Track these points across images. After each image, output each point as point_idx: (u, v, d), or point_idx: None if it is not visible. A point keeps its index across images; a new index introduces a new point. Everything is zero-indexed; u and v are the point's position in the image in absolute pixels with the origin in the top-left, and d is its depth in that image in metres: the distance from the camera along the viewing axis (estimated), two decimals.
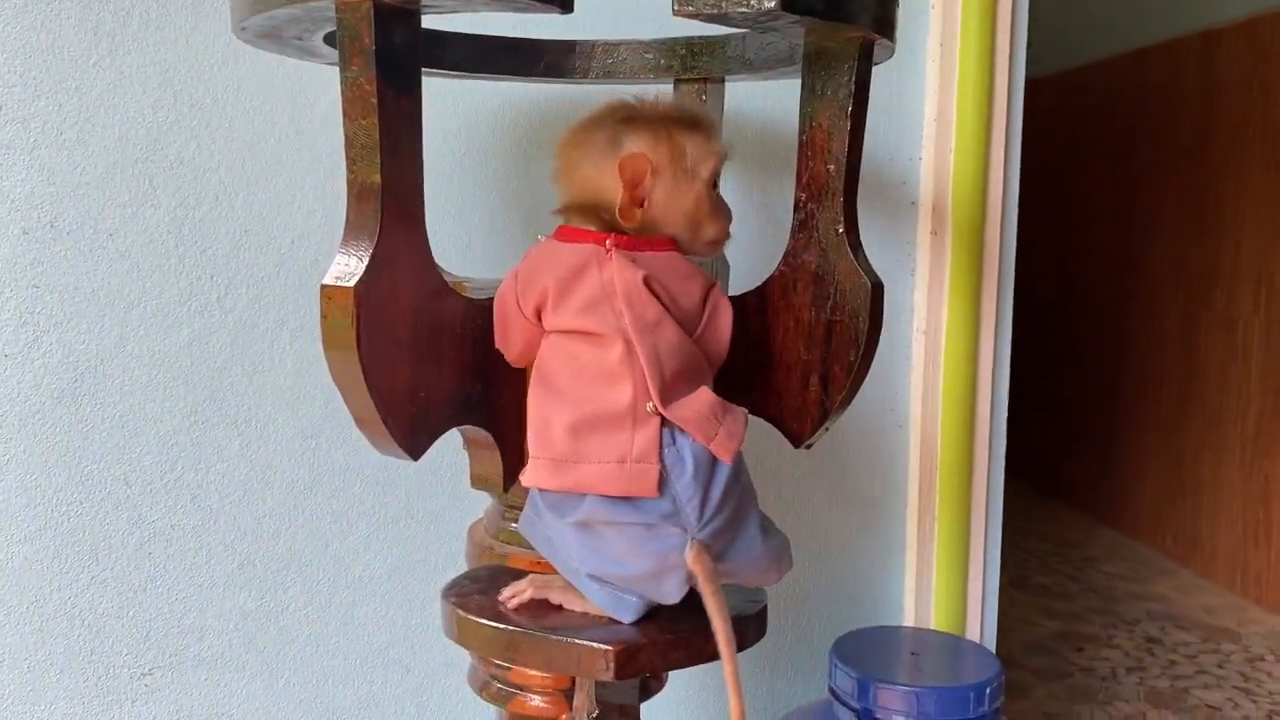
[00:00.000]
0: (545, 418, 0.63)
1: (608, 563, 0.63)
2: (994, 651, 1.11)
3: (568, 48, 0.88)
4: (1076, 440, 2.60)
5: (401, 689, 1.03)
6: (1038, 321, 2.70)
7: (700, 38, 0.84)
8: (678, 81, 0.87)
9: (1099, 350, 2.51)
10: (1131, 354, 2.38)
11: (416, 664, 1.03)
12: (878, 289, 0.68)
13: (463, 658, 0.80)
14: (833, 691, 0.90)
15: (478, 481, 0.74)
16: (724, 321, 0.67)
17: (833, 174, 0.69)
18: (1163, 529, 2.27)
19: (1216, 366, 2.12)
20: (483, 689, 0.76)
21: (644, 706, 0.77)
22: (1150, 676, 1.66)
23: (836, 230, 0.69)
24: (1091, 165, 2.54)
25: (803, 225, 0.70)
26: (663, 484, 0.61)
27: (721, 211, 0.68)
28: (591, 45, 0.88)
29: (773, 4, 0.57)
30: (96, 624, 0.93)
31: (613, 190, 0.65)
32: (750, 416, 0.67)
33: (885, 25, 0.67)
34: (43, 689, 0.92)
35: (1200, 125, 2.16)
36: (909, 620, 1.13)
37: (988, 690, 0.85)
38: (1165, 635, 1.84)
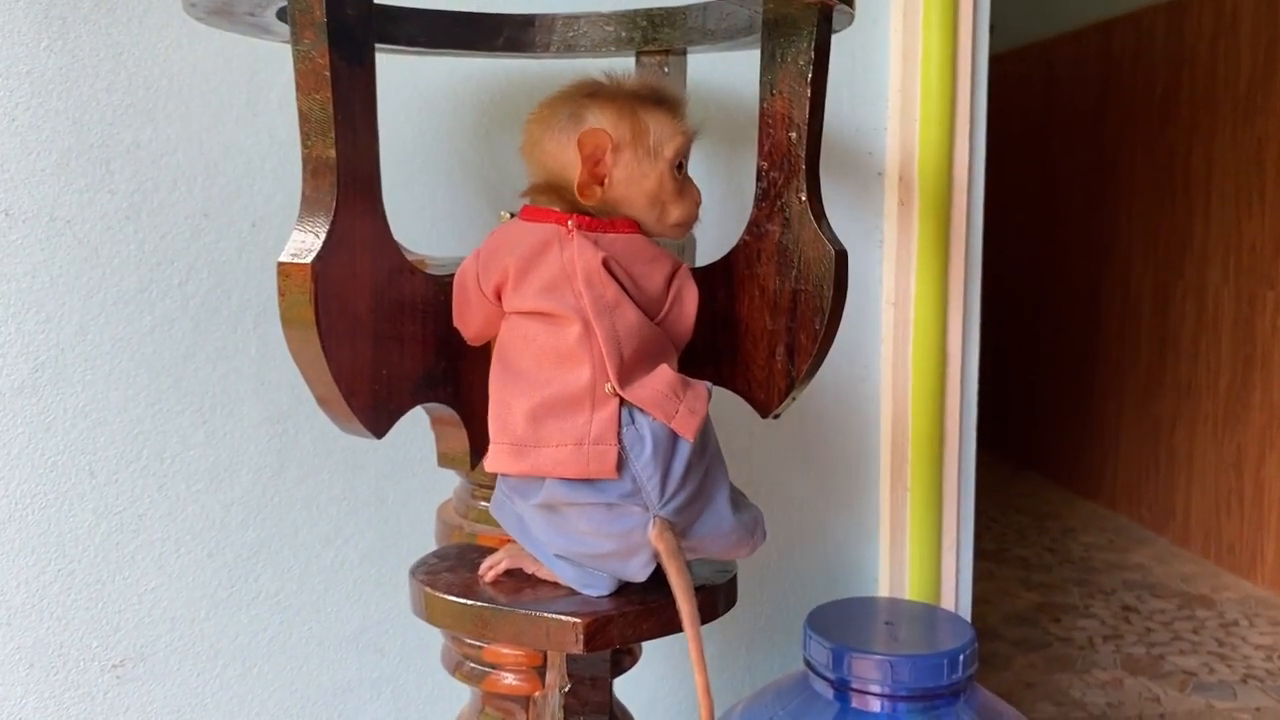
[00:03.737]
0: (505, 402, 0.62)
1: (573, 542, 0.63)
2: (969, 620, 1.11)
3: (527, 21, 0.87)
4: (1053, 413, 2.62)
5: (377, 673, 1.02)
6: (1013, 294, 2.71)
7: (660, 9, 0.84)
8: (639, 54, 0.86)
9: (1074, 322, 2.52)
10: (1106, 325, 2.40)
11: (391, 647, 1.02)
12: (841, 257, 0.68)
13: (436, 640, 0.79)
14: (807, 663, 0.90)
15: (444, 460, 0.74)
16: (689, 304, 0.66)
17: (794, 142, 0.68)
18: (1139, 499, 2.29)
19: (1188, 336, 2.13)
20: (456, 669, 0.75)
21: (619, 681, 0.76)
22: (1127, 644, 1.68)
23: (799, 199, 0.68)
24: (1062, 136, 2.54)
25: (765, 194, 0.70)
26: (621, 464, 0.60)
27: (687, 193, 0.67)
28: (551, 19, 0.87)
29: None
30: (65, 616, 0.92)
31: (574, 168, 0.64)
32: (717, 388, 0.67)
33: None
34: (12, 683, 0.91)
35: (1168, 95, 2.17)
36: (884, 591, 1.13)
37: (961, 657, 0.85)
38: (1142, 603, 1.85)
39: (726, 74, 1.04)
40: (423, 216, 0.98)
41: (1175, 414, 2.17)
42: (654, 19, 0.84)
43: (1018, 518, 2.35)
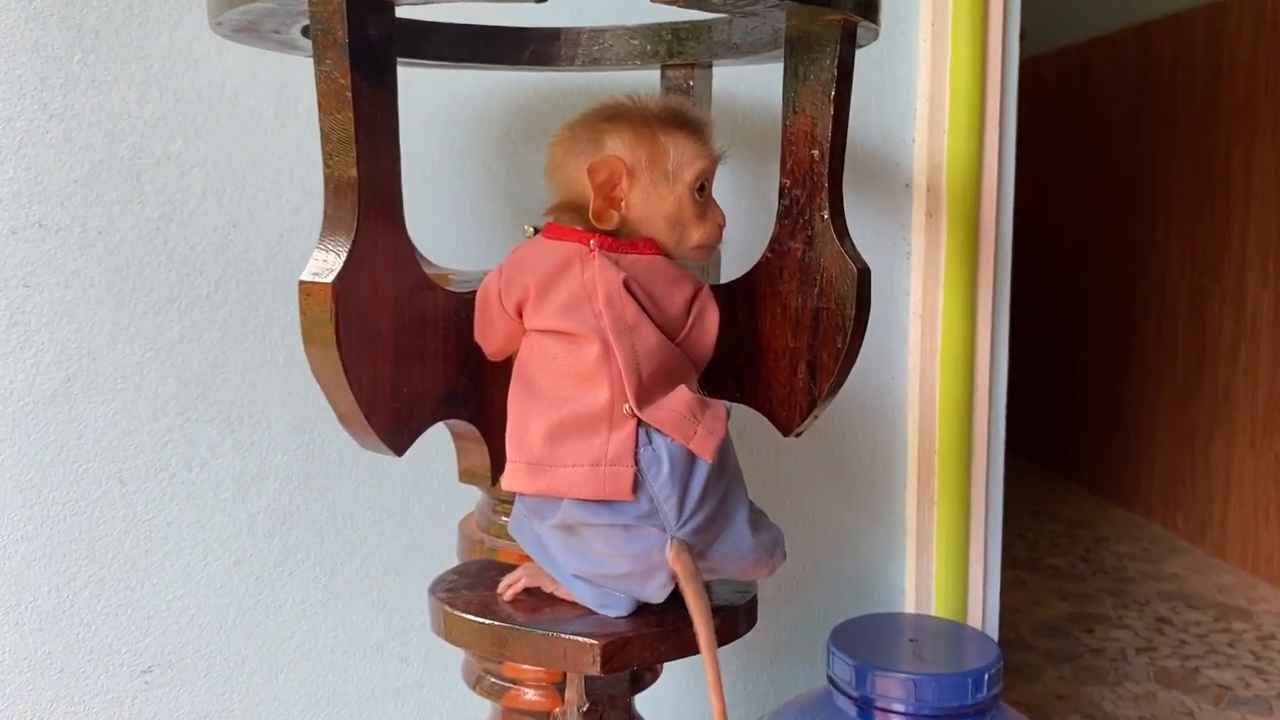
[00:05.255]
0: (523, 420, 0.62)
1: (590, 563, 0.63)
2: (995, 637, 1.10)
3: (553, 35, 0.87)
4: (1087, 420, 2.59)
5: (401, 682, 1.03)
6: (1047, 301, 2.68)
7: (686, 22, 0.83)
8: (664, 68, 0.86)
9: (1109, 328, 2.49)
10: (1142, 331, 2.36)
11: (415, 657, 1.03)
12: (864, 275, 0.68)
13: (460, 650, 0.80)
14: (831, 680, 0.90)
15: (465, 476, 0.74)
16: (710, 326, 0.65)
17: (817, 160, 0.68)
18: (1174, 508, 2.26)
19: (1226, 343, 2.10)
20: (476, 684, 0.75)
21: (638, 698, 0.76)
22: (1160, 656, 1.66)
23: (822, 216, 0.68)
24: (1098, 141, 2.51)
25: (788, 212, 0.69)
26: (638, 485, 0.60)
27: (709, 216, 0.66)
28: (577, 32, 0.87)
29: None
30: (94, 622, 0.93)
31: (591, 191, 0.64)
32: (738, 405, 0.66)
33: (868, 7, 0.66)
34: (42, 688, 0.92)
35: (1208, 99, 2.14)
36: (910, 606, 1.12)
37: (986, 676, 0.84)
38: (1176, 615, 1.83)
39: (753, 85, 1.03)
40: (447, 230, 0.98)
41: (1212, 421, 2.14)
42: (679, 33, 0.84)
43: (1050, 526, 2.32)
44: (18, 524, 0.90)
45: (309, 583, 0.99)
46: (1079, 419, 2.62)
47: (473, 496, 0.84)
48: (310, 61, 0.88)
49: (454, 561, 1.02)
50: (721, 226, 0.67)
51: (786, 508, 1.11)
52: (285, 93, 0.93)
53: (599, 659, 0.61)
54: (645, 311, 0.62)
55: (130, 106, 0.89)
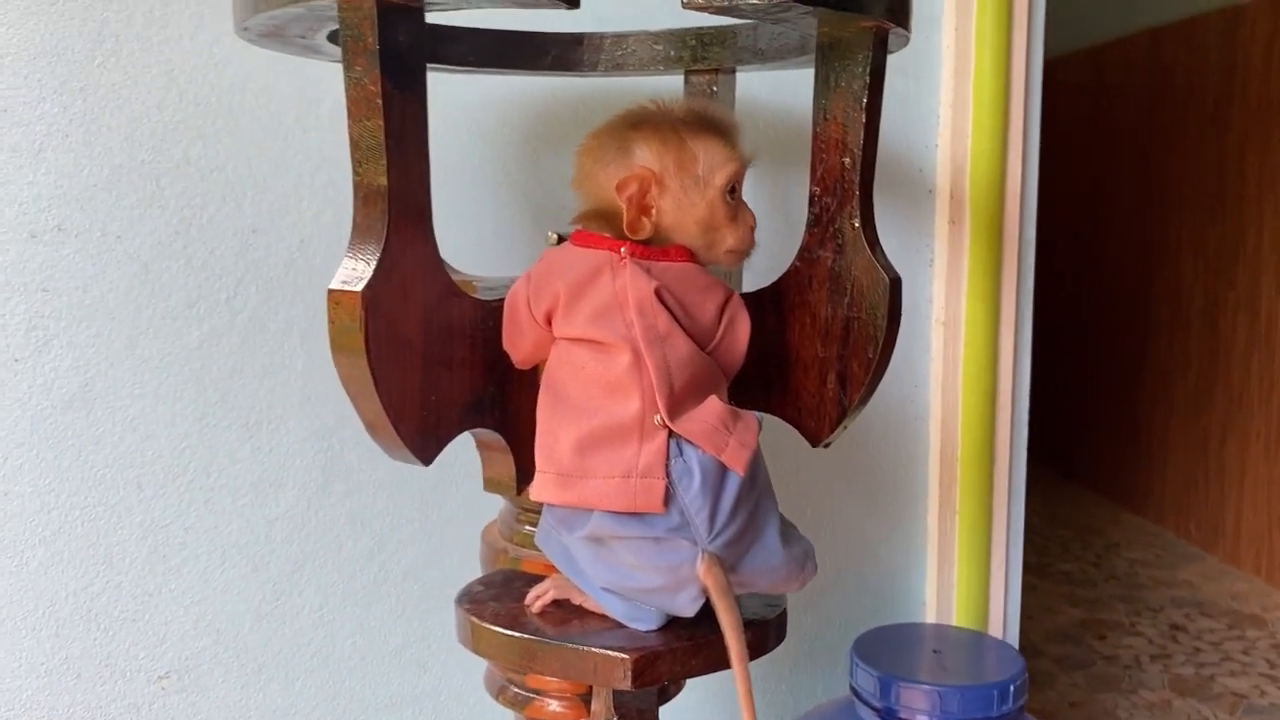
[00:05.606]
0: (553, 430, 0.61)
1: (620, 576, 0.62)
2: (1017, 646, 1.09)
3: (575, 40, 0.87)
4: (1098, 424, 2.58)
5: (419, 689, 1.02)
6: (1058, 304, 2.67)
7: (711, 28, 0.83)
8: (688, 73, 0.85)
9: (1121, 333, 2.48)
10: (1154, 336, 2.36)
11: (433, 664, 1.02)
12: (896, 285, 0.67)
13: (478, 658, 0.79)
14: (854, 690, 0.89)
15: (490, 485, 0.73)
16: (741, 334, 0.65)
17: (848, 168, 0.67)
18: (1186, 514, 2.25)
19: (1240, 348, 2.09)
20: (499, 693, 0.75)
21: (663, 709, 0.76)
22: (1175, 664, 1.65)
23: (853, 225, 0.67)
24: (1110, 145, 2.50)
25: (817, 220, 0.69)
26: (669, 497, 0.59)
27: (741, 220, 0.65)
28: (600, 37, 0.86)
29: None
30: (112, 628, 0.92)
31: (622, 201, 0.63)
32: (766, 415, 0.66)
33: (900, 14, 0.65)
34: (59, 693, 0.91)
35: (1221, 103, 2.13)
36: (930, 615, 1.11)
37: (1011, 688, 0.83)
38: (1190, 622, 1.82)
39: (774, 90, 1.03)
40: (467, 235, 0.98)
41: (1225, 427, 2.13)
42: (704, 38, 0.83)
43: (1060, 531, 2.31)
44: (35, 529, 0.89)
45: (326, 589, 0.98)
46: (1090, 423, 2.61)
47: (491, 503, 0.83)
48: (332, 66, 0.87)
49: (473, 568, 1.01)
50: (754, 229, 0.66)
51: (807, 516, 1.10)
52: (306, 97, 0.92)
53: (630, 673, 0.61)
54: (677, 320, 0.61)
55: (150, 110, 0.89)
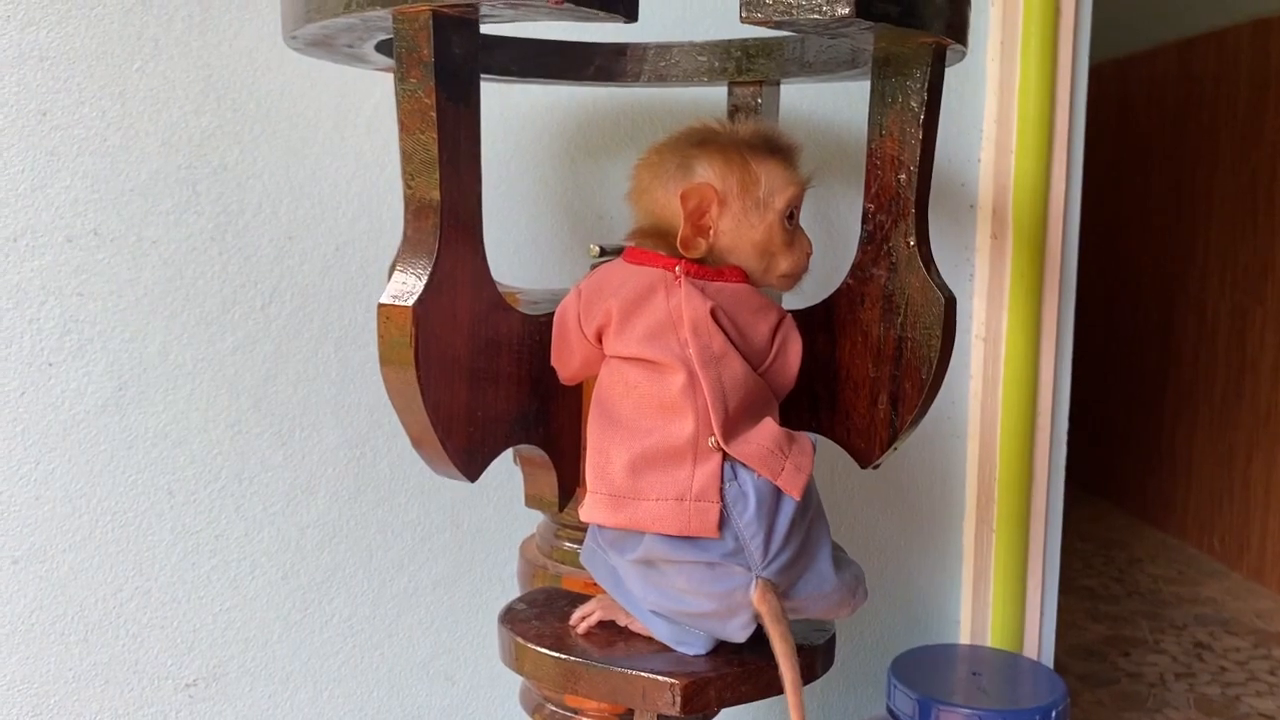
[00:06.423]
0: (604, 450, 0.60)
1: (670, 600, 0.61)
2: (1052, 667, 1.08)
3: (619, 50, 0.86)
4: (1122, 438, 2.56)
5: (446, 701, 1.01)
6: (1084, 316, 2.65)
7: (756, 39, 0.82)
8: (732, 85, 0.84)
9: (1147, 346, 2.46)
10: (1180, 349, 2.33)
11: (461, 676, 1.01)
12: (951, 304, 0.66)
13: (507, 670, 0.78)
14: (891, 712, 0.88)
15: (532, 501, 0.72)
16: (793, 356, 0.64)
17: (904, 185, 0.66)
18: (1211, 530, 2.23)
19: (1268, 363, 2.07)
20: (535, 711, 0.74)
21: None
22: (1200, 683, 1.63)
23: (908, 243, 0.66)
24: (1138, 157, 2.48)
25: (871, 238, 0.68)
26: (724, 522, 0.58)
27: (798, 244, 0.65)
28: (643, 48, 0.85)
29: (846, 10, 0.54)
30: (140, 634, 0.92)
31: (680, 218, 0.62)
32: (818, 438, 0.64)
33: (958, 29, 0.64)
34: (88, 699, 0.91)
35: (1251, 115, 2.11)
36: (965, 635, 1.10)
37: (1054, 713, 0.82)
38: (1215, 640, 1.80)
39: (816, 103, 1.01)
40: (505, 245, 0.97)
41: (1251, 443, 2.11)
42: (749, 50, 0.82)
43: (1083, 545, 2.29)
44: (65, 533, 0.89)
45: (356, 598, 0.97)
46: (1114, 436, 2.59)
47: (523, 515, 0.82)
48: (370, 73, 0.87)
49: (503, 580, 1.01)
50: (809, 255, 0.65)
51: (842, 535, 1.09)
52: (344, 104, 0.91)
53: (679, 699, 0.59)
54: (731, 341, 0.60)
55: (188, 116, 0.88)
